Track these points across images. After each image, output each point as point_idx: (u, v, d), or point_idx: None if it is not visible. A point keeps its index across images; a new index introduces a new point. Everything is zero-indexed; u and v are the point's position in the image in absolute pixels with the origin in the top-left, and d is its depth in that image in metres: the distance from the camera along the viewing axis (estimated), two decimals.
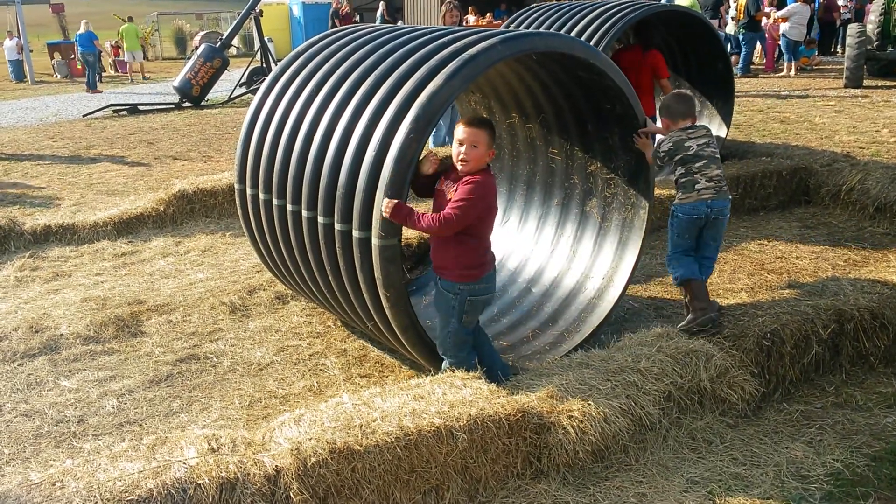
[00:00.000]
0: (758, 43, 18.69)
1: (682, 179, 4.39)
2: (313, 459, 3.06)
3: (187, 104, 16.70)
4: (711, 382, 3.87)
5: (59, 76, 27.04)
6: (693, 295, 4.35)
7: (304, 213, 4.16)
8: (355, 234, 3.82)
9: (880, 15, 14.90)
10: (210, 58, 16.53)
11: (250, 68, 18.74)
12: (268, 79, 4.82)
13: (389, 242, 3.69)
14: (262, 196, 4.56)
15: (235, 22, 18.01)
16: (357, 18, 26.90)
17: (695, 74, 9.02)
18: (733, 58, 18.96)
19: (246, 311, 5.52)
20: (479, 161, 3.71)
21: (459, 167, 3.74)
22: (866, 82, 14.51)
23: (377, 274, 3.78)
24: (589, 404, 3.52)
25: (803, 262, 6.16)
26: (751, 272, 5.97)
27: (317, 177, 4.04)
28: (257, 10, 18.77)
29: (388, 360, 4.79)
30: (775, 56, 18.76)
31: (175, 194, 7.79)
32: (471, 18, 17.65)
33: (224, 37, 18.55)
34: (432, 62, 3.85)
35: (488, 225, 3.84)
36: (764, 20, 17.96)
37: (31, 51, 27.12)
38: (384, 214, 3.59)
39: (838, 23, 21.30)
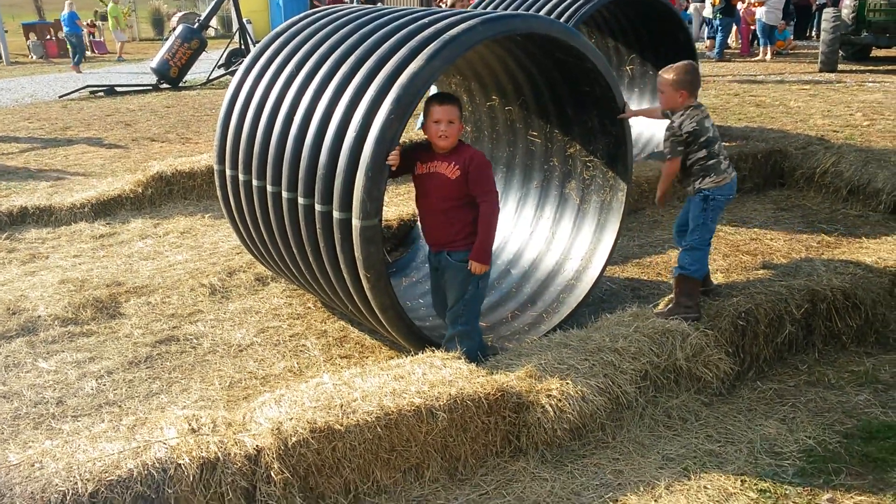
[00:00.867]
0: (733, 27, 18.77)
1: (708, 161, 4.17)
2: (294, 439, 3.08)
3: (165, 85, 16.53)
4: (687, 361, 3.93)
5: (34, 57, 26.60)
6: (691, 292, 4.28)
7: (285, 195, 4.16)
8: (336, 215, 3.83)
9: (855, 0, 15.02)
10: (188, 39, 16.35)
11: (229, 50, 18.56)
12: (247, 59, 4.79)
13: (370, 223, 3.70)
14: (241, 177, 4.55)
15: (213, 3, 17.80)
16: None
17: (661, 51, 8.77)
18: (708, 42, 19.06)
19: (226, 292, 5.51)
20: (456, 135, 3.90)
21: (441, 144, 3.87)
22: (841, 66, 14.64)
23: (357, 255, 3.79)
24: (567, 383, 3.57)
25: (777, 244, 6.24)
26: (726, 253, 6.05)
27: (297, 158, 4.04)
28: None
29: (368, 341, 4.81)
30: (750, 40, 18.87)
31: (153, 176, 7.73)
32: None
33: (202, 18, 18.33)
34: (413, 43, 3.85)
35: None
36: (739, 4, 18.04)
37: (7, 31, 26.66)
38: (478, 273, 3.94)
39: (814, 7, 21.45)
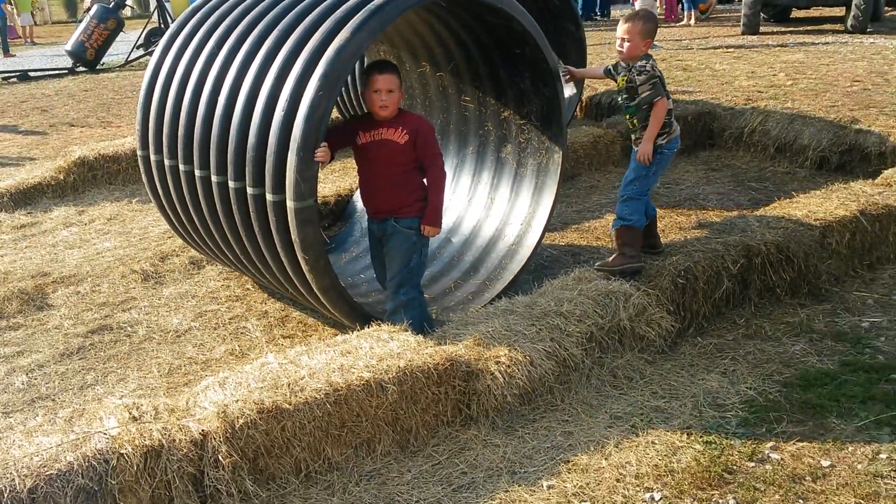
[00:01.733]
0: None
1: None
2: (241, 421, 3.00)
3: (81, 69, 15.89)
4: (630, 321, 3.97)
5: None
6: (633, 242, 4.31)
7: (214, 178, 4.03)
8: (269, 197, 3.73)
9: None
10: (104, 19, 15.72)
11: (147, 29, 17.92)
12: (165, 37, 4.62)
13: (305, 204, 3.62)
14: (167, 162, 4.39)
15: None
16: None
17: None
18: (633, 8, 19.23)
19: (159, 278, 5.34)
20: (397, 103, 3.90)
21: (382, 113, 3.85)
22: (763, 28, 14.94)
23: (294, 237, 3.71)
24: (515, 349, 3.57)
25: (710, 203, 6.36)
26: (661, 215, 6.10)
27: (224, 139, 3.92)
28: None
29: (310, 320, 4.73)
30: (675, 6, 19.10)
31: (75, 161, 7.43)
32: None
33: None
34: (338, 13, 3.75)
35: None
36: None
37: None
38: (431, 235, 4.05)
39: None
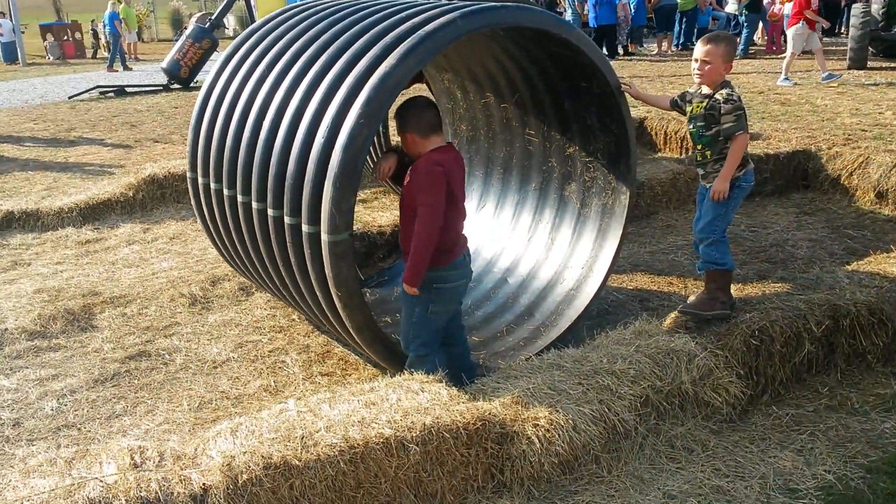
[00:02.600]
0: (759, 24, 18.24)
1: None
2: (245, 476, 2.76)
3: (175, 86, 16.33)
4: (693, 385, 3.57)
5: (51, 58, 26.63)
6: (726, 286, 4.10)
7: (255, 205, 3.86)
8: (305, 228, 3.52)
9: None
10: (199, 38, 16.12)
11: None
12: (221, 58, 4.49)
13: (339, 238, 3.38)
14: (213, 186, 4.26)
15: (225, 1, 17.57)
16: None
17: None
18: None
19: (207, 303, 5.21)
20: (413, 147, 3.49)
21: (410, 152, 3.55)
22: (870, 63, 14.08)
23: (328, 272, 3.47)
24: (557, 411, 3.21)
25: (799, 251, 5.82)
26: (743, 261, 5.63)
27: (266, 165, 3.74)
28: None
29: (352, 358, 4.49)
30: (778, 38, 18.32)
31: (145, 178, 7.46)
32: None
33: (214, 17, 18.13)
34: (387, 39, 3.52)
35: (451, 206, 3.46)
36: (766, 1, 17.52)
37: (24, 32, 26.71)
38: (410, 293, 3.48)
39: (843, 3, 20.82)
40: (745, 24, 17.28)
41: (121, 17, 21.78)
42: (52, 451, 3.26)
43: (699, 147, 4.01)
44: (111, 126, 12.19)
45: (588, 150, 4.49)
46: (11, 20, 25.32)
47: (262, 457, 2.83)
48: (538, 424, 3.15)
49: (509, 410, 3.22)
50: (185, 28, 19.53)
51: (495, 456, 3.17)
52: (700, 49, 3.88)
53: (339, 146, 3.34)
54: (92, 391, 4.16)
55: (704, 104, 3.91)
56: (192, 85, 16.49)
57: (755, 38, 18.53)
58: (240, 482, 2.74)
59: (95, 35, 28.89)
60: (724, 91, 3.86)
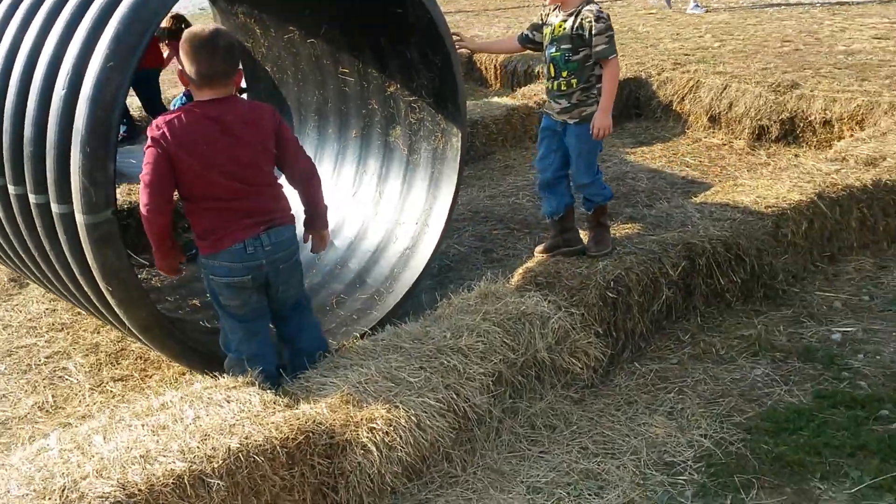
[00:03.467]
0: None
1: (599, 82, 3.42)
2: None
3: None
4: (549, 352, 3.11)
5: None
6: (607, 216, 3.72)
7: None
8: (54, 208, 2.71)
9: None
10: None
11: None
12: None
13: (99, 218, 2.62)
14: None
15: None
16: None
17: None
18: None
19: None
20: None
21: None
22: None
23: (91, 261, 2.70)
24: (396, 407, 2.64)
25: (641, 184, 5.53)
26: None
27: None
28: None
29: (151, 355, 3.73)
30: None
31: None
32: None
33: None
34: None
35: (197, 184, 2.66)
36: None
37: None
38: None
39: None
40: None
41: None
42: None
43: (564, 74, 3.43)
44: None
45: (411, 88, 3.87)
46: None
47: None
48: (374, 428, 2.57)
49: (338, 414, 2.62)
50: None
51: (326, 473, 2.57)
52: None
53: (84, 99, 2.54)
54: None
55: (570, 24, 3.34)
56: None
57: None
58: None
59: None
60: (591, 7, 3.31)
